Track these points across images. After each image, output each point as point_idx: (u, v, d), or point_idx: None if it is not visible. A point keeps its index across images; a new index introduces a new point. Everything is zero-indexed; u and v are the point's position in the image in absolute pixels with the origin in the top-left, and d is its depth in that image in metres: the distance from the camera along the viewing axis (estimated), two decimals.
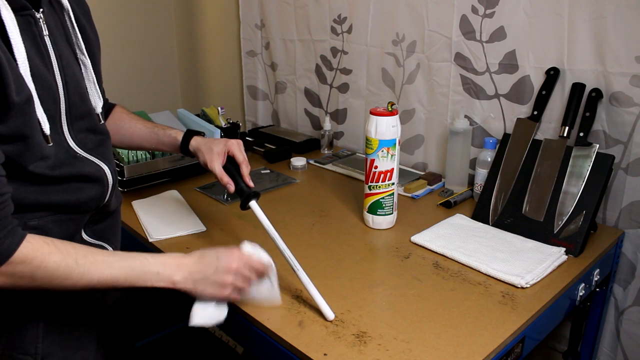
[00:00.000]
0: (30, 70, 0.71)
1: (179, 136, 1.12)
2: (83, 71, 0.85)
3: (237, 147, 1.07)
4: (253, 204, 1.03)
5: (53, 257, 0.71)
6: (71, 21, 0.83)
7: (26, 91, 0.70)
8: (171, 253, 0.85)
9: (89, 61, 0.85)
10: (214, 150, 1.07)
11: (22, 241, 0.69)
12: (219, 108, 1.73)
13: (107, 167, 0.87)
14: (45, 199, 0.77)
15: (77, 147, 0.82)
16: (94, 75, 0.86)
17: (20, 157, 0.72)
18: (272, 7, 1.94)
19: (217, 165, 1.05)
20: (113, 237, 0.95)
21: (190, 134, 1.13)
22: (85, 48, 0.85)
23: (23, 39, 0.71)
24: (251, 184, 1.06)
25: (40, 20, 0.76)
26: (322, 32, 1.79)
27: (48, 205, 0.78)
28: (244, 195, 1.04)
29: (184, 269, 0.82)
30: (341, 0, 1.69)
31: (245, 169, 1.07)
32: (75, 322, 0.87)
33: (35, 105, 0.72)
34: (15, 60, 0.69)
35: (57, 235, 0.76)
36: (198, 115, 1.72)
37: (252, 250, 0.90)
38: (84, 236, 0.87)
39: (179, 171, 1.52)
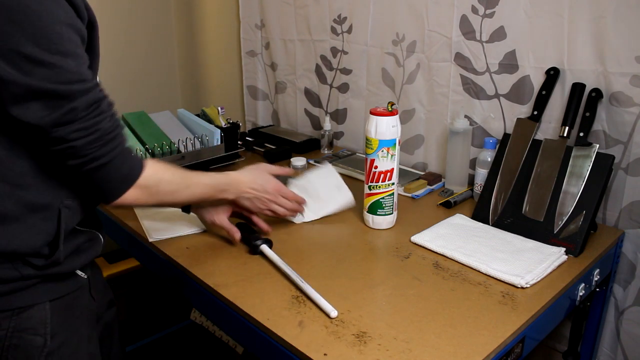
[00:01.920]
0: None
1: None
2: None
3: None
4: (264, 247, 1.10)
5: (169, 172, 0.92)
6: (97, 36, 0.89)
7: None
8: (231, 172, 1.08)
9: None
10: (218, 208, 1.13)
11: (143, 168, 0.86)
12: (219, 108, 1.73)
13: None
14: (76, 181, 0.84)
15: None
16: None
17: None
18: (272, 7, 1.94)
19: (222, 218, 1.13)
20: (98, 226, 0.96)
21: None
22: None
23: None
24: (264, 226, 1.17)
25: None
26: (322, 32, 1.79)
27: (77, 189, 0.85)
28: (252, 246, 1.10)
29: (246, 184, 1.09)
30: (341, 0, 1.69)
31: (256, 217, 1.17)
32: (73, 310, 0.90)
33: None
34: None
35: (76, 218, 0.86)
36: (198, 115, 1.72)
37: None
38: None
39: None
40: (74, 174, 0.81)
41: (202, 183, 1.00)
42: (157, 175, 0.89)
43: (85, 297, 0.93)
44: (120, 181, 0.83)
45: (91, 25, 0.79)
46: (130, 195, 0.85)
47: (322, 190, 1.31)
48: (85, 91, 0.75)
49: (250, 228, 1.16)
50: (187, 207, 1.17)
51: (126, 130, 0.87)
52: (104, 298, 1.06)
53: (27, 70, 0.70)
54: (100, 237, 0.94)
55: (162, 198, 0.92)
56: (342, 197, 1.29)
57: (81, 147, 0.76)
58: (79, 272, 0.90)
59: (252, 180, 1.10)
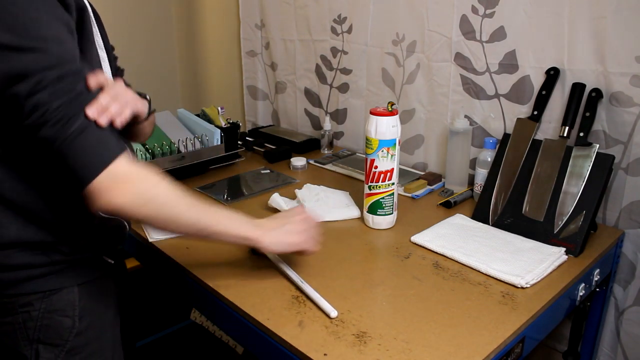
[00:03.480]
0: None
1: None
2: (102, 65, 0.92)
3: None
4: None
5: (163, 183, 0.82)
6: (90, 21, 0.89)
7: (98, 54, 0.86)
8: (253, 220, 0.93)
9: (107, 58, 0.94)
10: None
11: (123, 151, 0.78)
12: (219, 108, 1.73)
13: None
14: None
15: None
16: (109, 69, 0.95)
17: None
18: (272, 7, 1.94)
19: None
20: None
21: None
22: (105, 45, 0.94)
23: None
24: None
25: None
26: (322, 32, 1.79)
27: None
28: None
29: (267, 234, 0.92)
30: (341, 0, 1.69)
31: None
32: (100, 294, 0.93)
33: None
34: None
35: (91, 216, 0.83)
36: (198, 115, 1.72)
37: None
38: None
39: (179, 171, 1.51)
40: (50, 160, 0.76)
41: (217, 212, 0.88)
42: (148, 175, 0.80)
43: (111, 283, 0.97)
44: (97, 155, 0.75)
45: (80, 10, 0.80)
46: (117, 195, 0.75)
47: (332, 201, 1.34)
48: (64, 65, 0.74)
49: None
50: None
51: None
52: (122, 288, 1.08)
53: (4, 58, 0.71)
54: (125, 224, 0.97)
55: (160, 213, 0.81)
56: (349, 212, 1.30)
57: (56, 109, 0.72)
58: (107, 258, 0.95)
59: (278, 224, 0.97)
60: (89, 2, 0.90)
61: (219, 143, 1.59)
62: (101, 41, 0.92)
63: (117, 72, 1.01)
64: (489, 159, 1.33)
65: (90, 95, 0.76)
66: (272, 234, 0.93)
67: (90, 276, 0.91)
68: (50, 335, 0.86)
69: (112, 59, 0.99)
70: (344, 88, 1.79)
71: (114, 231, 0.95)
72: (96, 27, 0.91)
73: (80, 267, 0.89)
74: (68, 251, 0.86)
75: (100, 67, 0.91)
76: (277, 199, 1.30)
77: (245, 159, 1.71)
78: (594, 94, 1.19)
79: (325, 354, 0.81)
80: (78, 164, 0.74)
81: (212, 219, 0.86)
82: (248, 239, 0.91)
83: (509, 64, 1.33)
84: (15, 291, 0.83)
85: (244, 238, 0.90)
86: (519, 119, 1.31)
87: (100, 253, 0.93)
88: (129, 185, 0.77)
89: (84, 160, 0.74)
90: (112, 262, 0.97)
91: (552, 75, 1.25)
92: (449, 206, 1.34)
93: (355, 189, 1.40)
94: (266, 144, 1.83)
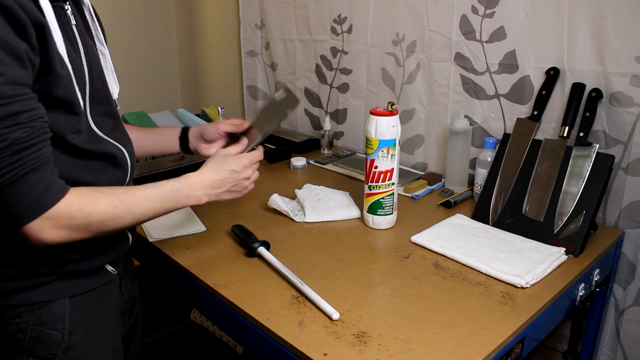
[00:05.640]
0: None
1: (178, 129, 1.19)
2: (102, 60, 0.91)
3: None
4: (262, 250, 1.08)
5: (101, 201, 0.78)
6: (91, 15, 0.90)
7: (66, 66, 0.77)
8: (191, 173, 0.94)
9: (107, 51, 0.93)
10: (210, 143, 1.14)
11: (69, 191, 0.75)
12: (219, 108, 1.73)
13: (125, 150, 0.91)
14: (80, 177, 0.81)
15: (96, 129, 0.87)
16: (112, 64, 0.94)
17: (60, 126, 0.77)
18: (272, 7, 1.94)
19: (215, 149, 1.12)
20: None
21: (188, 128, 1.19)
22: (105, 39, 0.94)
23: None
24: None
25: (68, 11, 0.82)
26: (322, 32, 1.79)
27: (82, 183, 0.81)
28: (249, 248, 1.09)
29: (208, 186, 0.94)
30: (341, 0, 1.69)
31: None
32: (97, 305, 0.91)
33: (74, 83, 0.79)
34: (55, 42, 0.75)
35: None
36: (198, 115, 1.72)
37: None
38: None
39: (179, 171, 1.51)
40: None
41: (151, 197, 0.85)
42: (81, 204, 0.75)
43: (114, 292, 0.95)
44: (28, 205, 0.71)
45: (40, 27, 0.72)
46: (48, 232, 0.73)
47: (332, 201, 1.33)
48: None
49: (247, 230, 1.15)
50: (186, 148, 1.17)
51: (49, 150, 0.74)
52: (132, 293, 1.07)
53: None
54: (128, 234, 0.95)
55: (98, 229, 0.79)
56: (349, 212, 1.29)
57: None
58: (109, 268, 0.92)
59: (214, 170, 0.96)
60: (89, 2, 0.89)
61: None
62: (102, 36, 0.92)
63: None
64: (489, 159, 1.33)
65: (29, 139, 0.70)
66: (209, 196, 0.94)
67: (86, 287, 0.87)
68: (39, 349, 0.83)
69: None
70: (344, 88, 1.79)
71: (113, 241, 0.91)
72: (96, 22, 0.91)
73: (74, 278, 0.86)
74: (56, 264, 0.82)
75: (102, 67, 0.89)
76: (276, 200, 1.30)
77: None
78: (594, 94, 1.19)
79: (325, 354, 0.81)
80: (11, 209, 0.71)
81: (151, 209, 0.86)
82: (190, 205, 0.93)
83: (509, 64, 1.33)
84: (3, 302, 0.81)
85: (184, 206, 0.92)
86: (519, 119, 1.31)
87: (102, 262, 0.90)
88: (63, 222, 0.74)
89: (15, 209, 0.71)
90: (116, 272, 0.94)
91: (552, 75, 1.25)
92: (449, 206, 1.34)
93: (355, 189, 1.40)
94: (266, 144, 1.83)
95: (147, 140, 1.16)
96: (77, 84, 0.80)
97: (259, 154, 1.03)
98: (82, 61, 0.83)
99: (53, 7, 0.76)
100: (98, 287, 0.90)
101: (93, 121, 0.86)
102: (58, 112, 0.77)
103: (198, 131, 1.16)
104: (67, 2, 0.83)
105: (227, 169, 0.96)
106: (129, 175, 0.93)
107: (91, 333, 0.88)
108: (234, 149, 1.05)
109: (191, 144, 1.17)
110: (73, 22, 0.83)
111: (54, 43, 0.75)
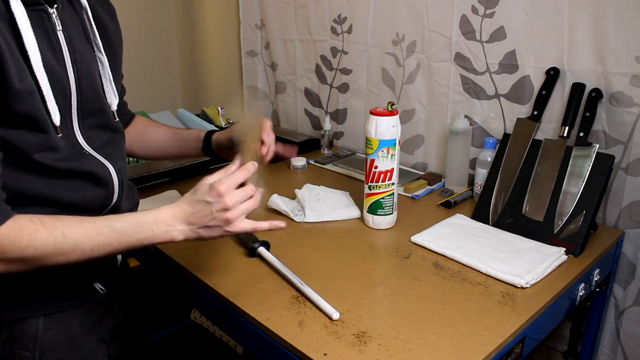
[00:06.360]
0: (42, 63, 0.72)
1: (202, 133, 1.11)
2: (100, 68, 0.85)
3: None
4: (262, 250, 1.08)
5: (40, 234, 0.68)
6: (89, 19, 0.83)
7: (29, 80, 0.70)
8: (163, 207, 0.79)
9: (107, 59, 0.86)
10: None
11: (6, 221, 0.67)
12: (219, 108, 1.73)
13: (112, 167, 0.84)
14: (49, 193, 0.76)
15: (84, 143, 0.81)
16: (110, 73, 0.86)
17: (24, 144, 0.72)
18: (272, 7, 1.94)
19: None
20: None
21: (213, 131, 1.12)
22: (105, 46, 0.86)
23: (35, 33, 0.72)
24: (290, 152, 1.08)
25: (54, 15, 0.76)
26: (322, 32, 1.79)
27: (53, 201, 0.77)
28: (249, 248, 1.09)
29: (180, 221, 0.78)
30: (341, 0, 1.69)
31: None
32: (78, 326, 0.86)
33: (46, 96, 0.72)
34: (26, 51, 0.70)
35: None
36: (198, 115, 1.72)
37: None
38: None
39: (179, 171, 1.52)
40: None
41: (105, 232, 0.73)
42: (15, 236, 0.67)
43: (101, 312, 0.90)
44: None
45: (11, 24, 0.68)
46: None
47: (332, 201, 1.33)
48: None
49: None
50: (210, 152, 1.06)
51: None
52: (130, 315, 1.01)
53: None
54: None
55: (36, 264, 0.70)
56: (349, 212, 1.30)
57: None
58: (97, 286, 0.88)
59: (187, 202, 0.80)
60: (88, 3, 0.83)
61: None
62: (100, 42, 0.85)
63: (121, 91, 0.94)
64: (489, 159, 1.33)
65: None
66: (184, 232, 0.79)
67: (65, 306, 0.82)
68: None
69: (118, 62, 0.92)
70: (344, 88, 1.79)
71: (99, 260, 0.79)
72: (94, 27, 0.84)
73: (53, 296, 0.81)
74: (31, 281, 0.77)
75: (98, 75, 0.84)
76: (276, 200, 1.30)
77: None
78: (594, 94, 1.19)
79: (325, 354, 0.81)
80: None
81: (104, 245, 0.74)
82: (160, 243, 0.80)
83: (509, 64, 1.33)
84: None
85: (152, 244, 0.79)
86: (519, 119, 1.31)
87: (86, 280, 0.85)
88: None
89: None
90: (104, 291, 0.89)
91: (552, 75, 1.25)
92: (449, 206, 1.34)
93: (355, 189, 1.40)
94: None
95: (171, 147, 1.11)
96: (58, 96, 0.74)
97: (241, 173, 0.83)
98: (66, 71, 0.77)
99: (34, 10, 0.72)
100: (79, 306, 0.84)
101: (82, 134, 0.81)
102: (21, 129, 0.71)
103: (226, 138, 1.05)
104: (55, 6, 0.77)
105: (199, 200, 0.79)
106: (115, 193, 0.85)
107: (66, 356, 0.83)
108: (218, 174, 0.84)
109: (219, 153, 1.09)
110: (59, 27, 0.77)
111: (17, 51, 0.68)
